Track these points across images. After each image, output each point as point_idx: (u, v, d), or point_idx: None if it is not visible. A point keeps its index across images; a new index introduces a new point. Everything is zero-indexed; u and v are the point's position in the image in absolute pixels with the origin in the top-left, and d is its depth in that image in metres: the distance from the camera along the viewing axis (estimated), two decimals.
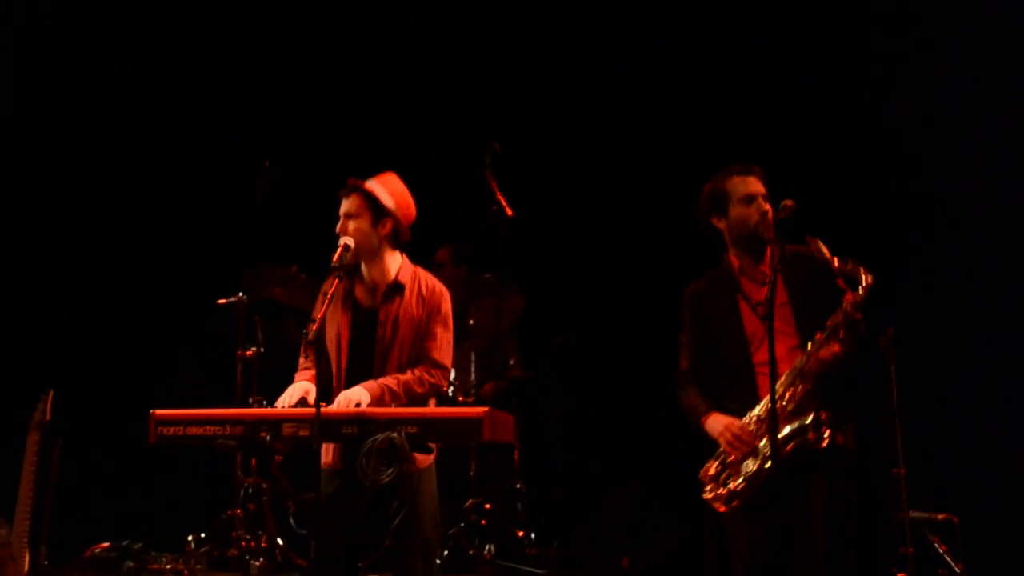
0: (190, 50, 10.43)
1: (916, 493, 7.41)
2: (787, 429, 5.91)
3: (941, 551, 7.59)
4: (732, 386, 6.16)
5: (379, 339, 6.43)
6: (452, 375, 8.92)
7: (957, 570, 7.53)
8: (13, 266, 10.04)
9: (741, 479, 6.05)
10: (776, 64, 9.56)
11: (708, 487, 6.16)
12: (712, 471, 6.16)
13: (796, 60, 9.49)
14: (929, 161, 8.90)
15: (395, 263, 6.53)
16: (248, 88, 10.50)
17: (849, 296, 5.92)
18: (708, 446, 6.19)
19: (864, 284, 5.88)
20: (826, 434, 5.88)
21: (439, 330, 6.48)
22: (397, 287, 6.48)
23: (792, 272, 6.03)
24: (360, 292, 6.55)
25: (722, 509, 6.11)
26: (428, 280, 6.56)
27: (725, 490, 6.09)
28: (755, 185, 6.19)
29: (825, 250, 5.93)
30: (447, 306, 6.54)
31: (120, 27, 10.37)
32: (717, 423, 6.13)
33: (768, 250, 6.16)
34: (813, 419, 5.88)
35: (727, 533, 6.17)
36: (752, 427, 6.02)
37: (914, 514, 7.44)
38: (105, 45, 10.36)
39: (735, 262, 6.25)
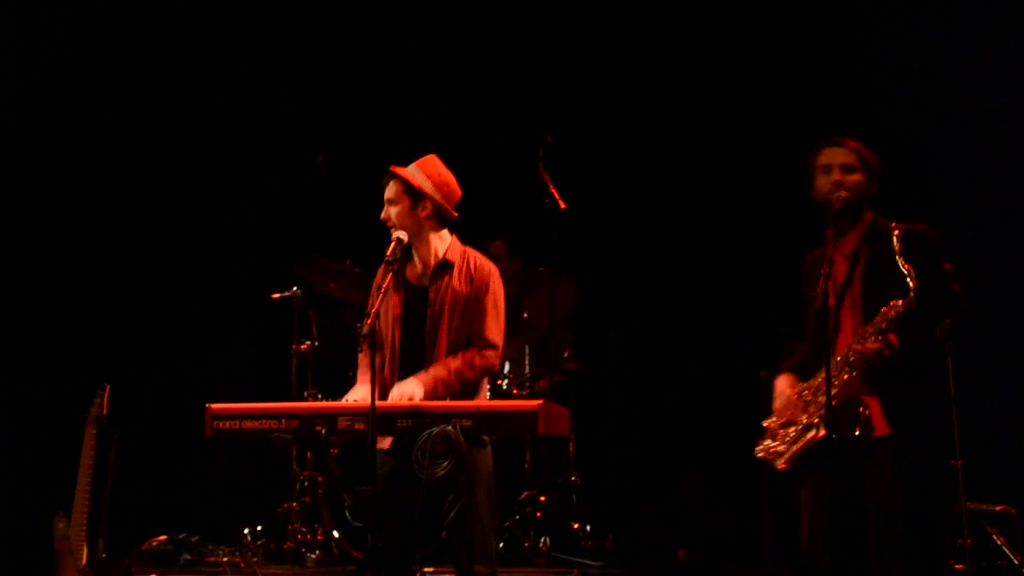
0: (245, 44, 10.44)
1: (974, 484, 7.37)
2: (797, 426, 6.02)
3: (999, 542, 7.55)
4: (813, 355, 6.16)
5: (429, 316, 6.48)
6: (507, 368, 8.95)
7: (1016, 561, 7.49)
8: (70, 261, 10.09)
9: (783, 443, 6.08)
10: (833, 47, 9.52)
11: (763, 442, 6.19)
12: (772, 426, 6.19)
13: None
14: (989, 147, 8.84)
15: (443, 243, 6.59)
16: (303, 82, 10.52)
17: (897, 301, 5.88)
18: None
19: (910, 292, 5.84)
20: (856, 430, 5.87)
21: (489, 308, 6.51)
22: (446, 265, 6.54)
23: (878, 248, 6.02)
24: (410, 272, 6.62)
25: (781, 466, 6.11)
26: (477, 259, 6.60)
27: (774, 446, 6.13)
28: (836, 155, 6.17)
29: (896, 244, 5.89)
30: (497, 284, 6.56)
31: (177, 17, 10.39)
32: (779, 384, 6.27)
33: (853, 225, 6.13)
34: (823, 415, 5.86)
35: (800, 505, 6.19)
36: (806, 397, 6.07)
37: (972, 505, 7.40)
38: (163, 38, 10.38)
39: (830, 234, 6.16)
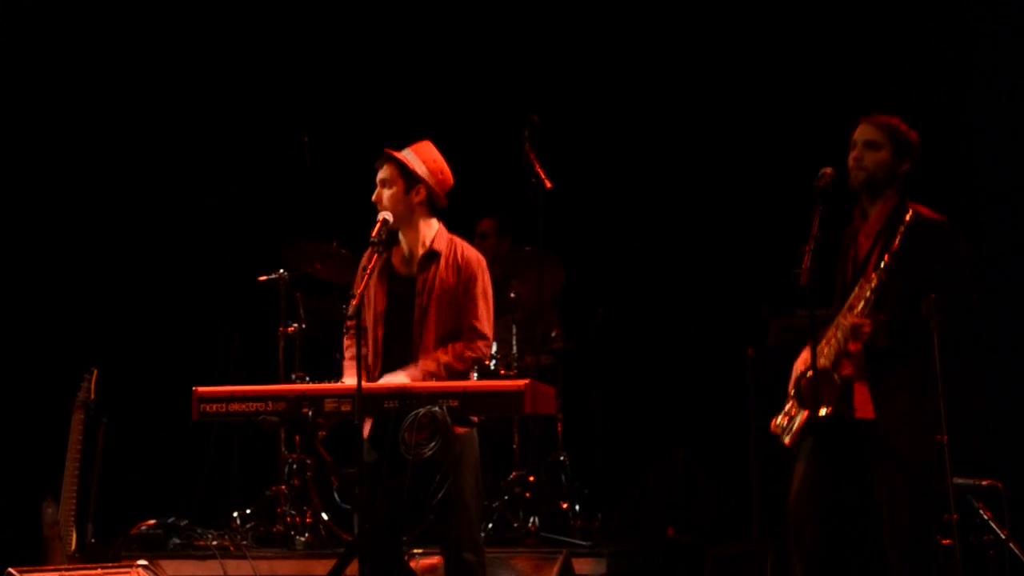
0: (229, 23, 10.41)
1: (960, 459, 7.37)
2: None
3: (986, 517, 7.55)
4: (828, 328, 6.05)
5: (416, 307, 6.45)
6: (494, 348, 8.95)
7: (1003, 535, 7.49)
8: (56, 244, 10.07)
9: (788, 417, 6.09)
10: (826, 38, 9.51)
11: (776, 418, 6.16)
12: (787, 404, 6.15)
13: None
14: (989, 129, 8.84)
15: (431, 231, 6.54)
16: (287, 61, 10.49)
17: (871, 274, 5.86)
18: None
19: (881, 265, 5.82)
20: (824, 409, 5.84)
21: (479, 298, 6.48)
22: (433, 255, 6.49)
23: (907, 238, 5.88)
24: (397, 261, 6.58)
25: (787, 443, 6.08)
26: (464, 249, 6.55)
27: (782, 421, 6.10)
28: (862, 131, 6.02)
29: (908, 215, 5.84)
30: (485, 274, 6.53)
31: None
32: (799, 360, 6.14)
33: (877, 203, 6.03)
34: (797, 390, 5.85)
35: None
36: (808, 375, 6.00)
37: (958, 480, 7.39)
38: (144, 19, 10.35)
39: (856, 211, 6.10)
